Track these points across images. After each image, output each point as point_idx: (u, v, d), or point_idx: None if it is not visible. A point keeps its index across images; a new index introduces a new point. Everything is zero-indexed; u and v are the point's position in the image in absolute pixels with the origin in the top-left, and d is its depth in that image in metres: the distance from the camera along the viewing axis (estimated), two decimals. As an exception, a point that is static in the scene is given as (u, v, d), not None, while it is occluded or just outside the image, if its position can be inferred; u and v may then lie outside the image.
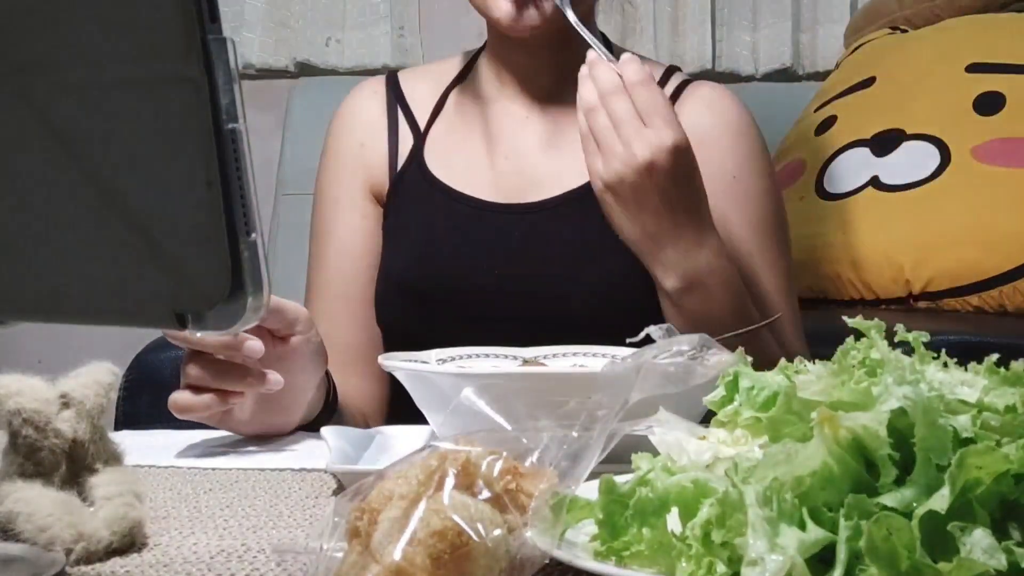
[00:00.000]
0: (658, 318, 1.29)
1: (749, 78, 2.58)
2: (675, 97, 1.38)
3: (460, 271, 1.35)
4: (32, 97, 0.57)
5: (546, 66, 1.38)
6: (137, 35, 0.55)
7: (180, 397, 1.08)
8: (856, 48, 2.19)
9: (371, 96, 1.46)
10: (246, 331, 1.04)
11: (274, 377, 1.07)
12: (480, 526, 0.59)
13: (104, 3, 0.55)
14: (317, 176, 1.47)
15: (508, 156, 1.39)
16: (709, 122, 1.35)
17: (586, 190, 1.31)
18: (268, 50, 2.61)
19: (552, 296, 1.32)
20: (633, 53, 1.21)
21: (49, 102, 0.57)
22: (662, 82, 1.40)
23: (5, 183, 0.60)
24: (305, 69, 2.61)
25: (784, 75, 2.58)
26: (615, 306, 1.29)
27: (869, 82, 2.03)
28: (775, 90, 2.52)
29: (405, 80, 1.47)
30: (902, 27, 2.18)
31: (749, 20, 2.57)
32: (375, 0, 2.59)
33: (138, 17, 0.54)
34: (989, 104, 1.88)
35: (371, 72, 2.54)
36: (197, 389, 1.07)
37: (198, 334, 1.03)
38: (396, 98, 1.45)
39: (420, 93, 1.45)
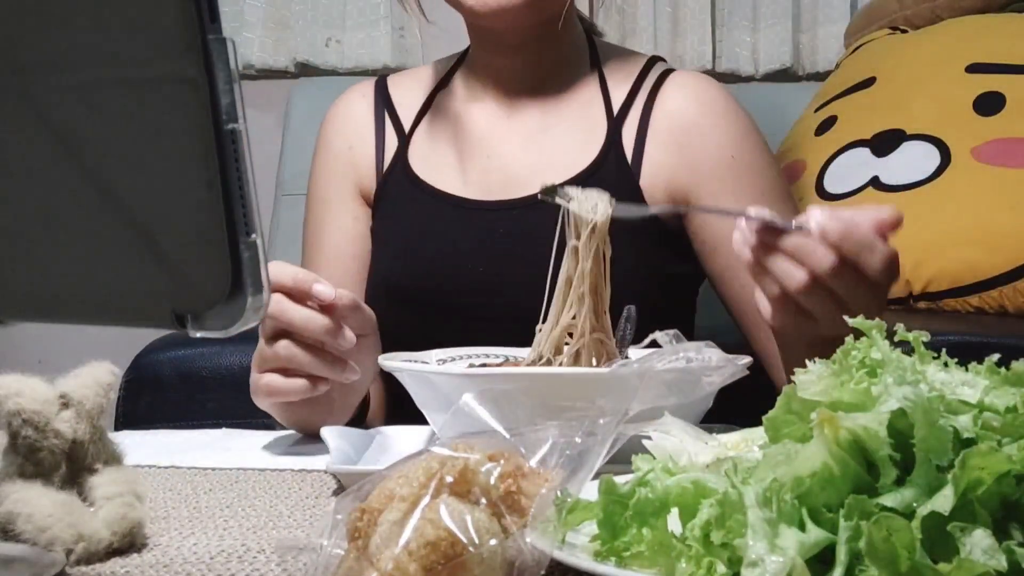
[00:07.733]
0: (639, 308, 1.30)
1: (749, 78, 2.58)
2: (657, 86, 1.38)
3: (445, 269, 1.35)
4: (32, 97, 0.57)
5: (526, 66, 1.40)
6: (137, 35, 0.54)
7: (273, 380, 1.07)
8: (856, 48, 2.19)
9: (360, 99, 1.47)
10: (327, 329, 1.05)
11: (354, 368, 1.08)
12: (475, 535, 0.58)
13: (104, 3, 0.55)
14: (309, 179, 1.48)
15: (490, 155, 1.40)
16: (697, 109, 1.36)
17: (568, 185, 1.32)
18: (268, 50, 2.61)
19: (537, 290, 1.32)
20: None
21: (49, 102, 0.57)
22: (643, 72, 1.40)
23: (5, 183, 0.60)
24: (305, 69, 2.61)
25: (784, 75, 2.58)
26: None
27: (869, 82, 2.03)
28: (775, 90, 2.51)
29: (393, 84, 1.48)
30: (902, 27, 2.18)
31: (749, 20, 2.57)
32: (375, 0, 2.59)
33: (138, 17, 0.54)
34: (989, 104, 1.88)
35: (371, 72, 2.54)
36: (284, 372, 1.07)
37: (302, 312, 1.04)
38: (383, 101, 1.46)
39: (406, 97, 1.46)
